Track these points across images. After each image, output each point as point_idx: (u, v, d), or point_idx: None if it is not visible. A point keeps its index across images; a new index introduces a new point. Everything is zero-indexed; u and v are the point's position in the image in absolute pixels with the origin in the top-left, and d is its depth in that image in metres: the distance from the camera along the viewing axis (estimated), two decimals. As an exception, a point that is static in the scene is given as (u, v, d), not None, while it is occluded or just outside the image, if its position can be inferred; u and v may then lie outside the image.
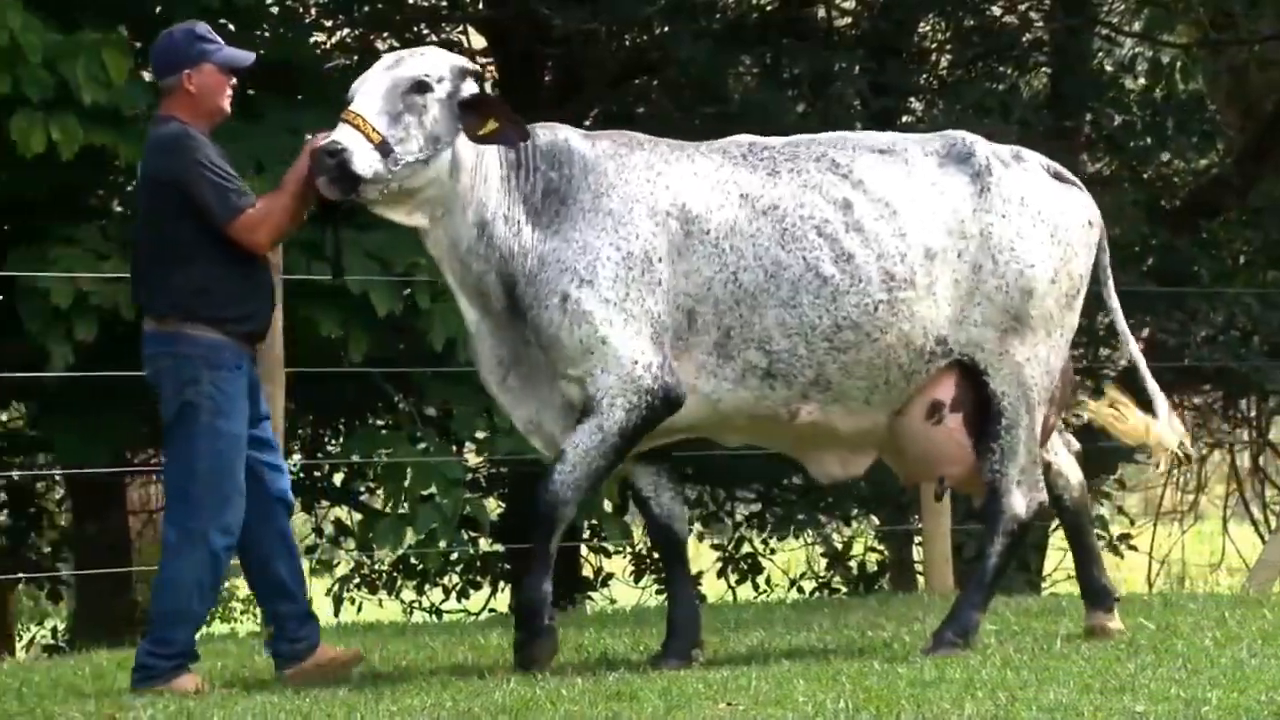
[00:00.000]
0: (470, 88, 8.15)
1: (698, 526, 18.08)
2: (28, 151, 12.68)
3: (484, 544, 16.75)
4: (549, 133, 8.31)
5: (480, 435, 15.07)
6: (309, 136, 8.19)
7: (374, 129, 7.88)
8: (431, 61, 8.15)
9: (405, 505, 14.29)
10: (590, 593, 17.85)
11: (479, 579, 17.95)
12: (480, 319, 8.29)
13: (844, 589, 17.83)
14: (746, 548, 18.00)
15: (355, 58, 17.33)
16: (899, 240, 8.33)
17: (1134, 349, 9.22)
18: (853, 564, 18.23)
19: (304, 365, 11.69)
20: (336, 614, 17.76)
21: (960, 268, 8.43)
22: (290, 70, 14.74)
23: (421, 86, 8.00)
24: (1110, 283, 9.05)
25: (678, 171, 8.30)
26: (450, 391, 14.38)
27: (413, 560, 17.43)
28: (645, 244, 8.15)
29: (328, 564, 18.51)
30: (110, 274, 12.74)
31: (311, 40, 16.15)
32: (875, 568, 18.18)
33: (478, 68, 8.36)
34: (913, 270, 8.33)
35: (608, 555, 18.09)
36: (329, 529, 17.88)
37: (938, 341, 8.42)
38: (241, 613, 24.78)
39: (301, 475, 16.65)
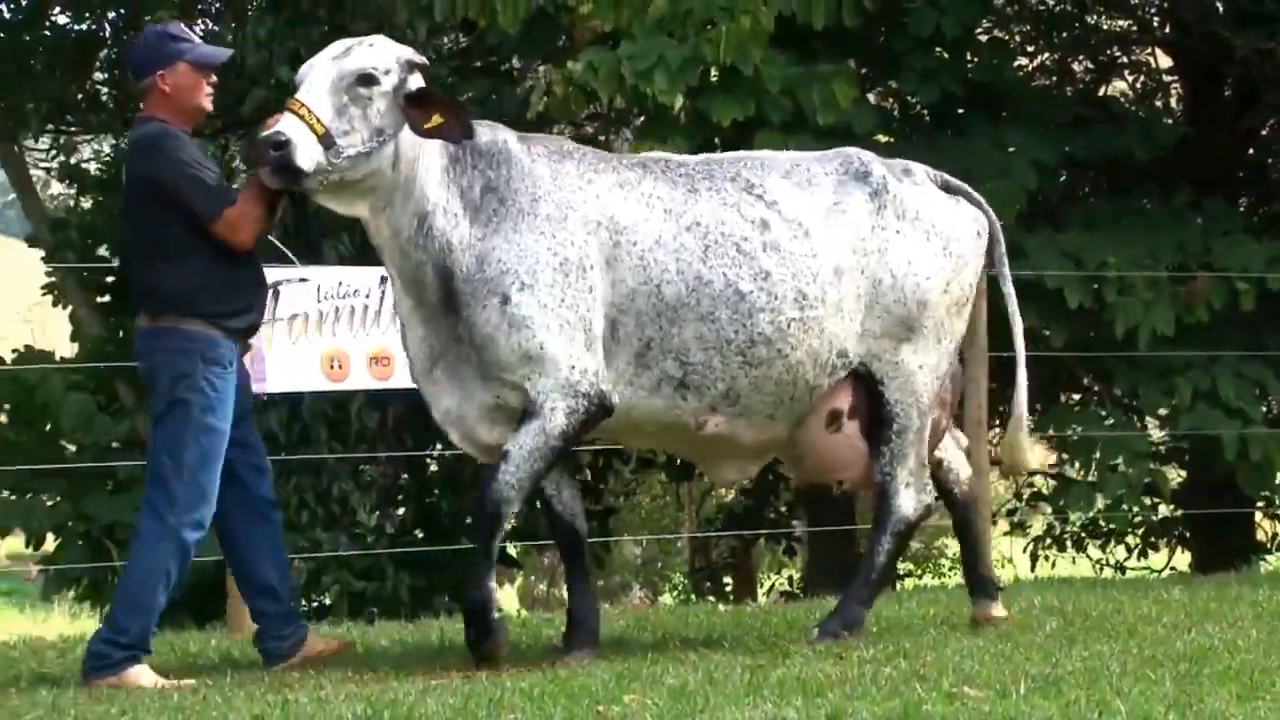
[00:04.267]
0: (416, 80, 7.32)
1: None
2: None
3: (1164, 509, 16.54)
4: (489, 132, 7.48)
5: (1162, 412, 15.01)
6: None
7: (318, 120, 7.07)
8: (379, 53, 7.29)
9: (1095, 474, 14.36)
10: (1265, 555, 17.40)
11: (1158, 540, 17.71)
12: (413, 309, 7.43)
13: None
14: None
15: (1054, 78, 17.33)
16: (811, 260, 7.62)
17: (1020, 344, 8.37)
18: None
19: (1005, 351, 11.77)
20: (1032, 569, 17.76)
21: (862, 283, 7.73)
22: (995, 91, 14.90)
23: (368, 79, 7.17)
24: (1006, 270, 8.25)
25: (606, 182, 7.52)
26: (1134, 375, 14.39)
27: (1100, 522, 17.35)
28: (580, 251, 7.34)
29: (1023, 525, 18.53)
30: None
31: (1015, 64, 16.27)
32: None
33: (424, 60, 7.45)
34: (823, 289, 7.63)
35: (1280, 520, 17.61)
36: (1026, 494, 17.89)
37: (839, 355, 7.73)
38: (949, 569, 25.00)
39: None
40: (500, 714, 5.71)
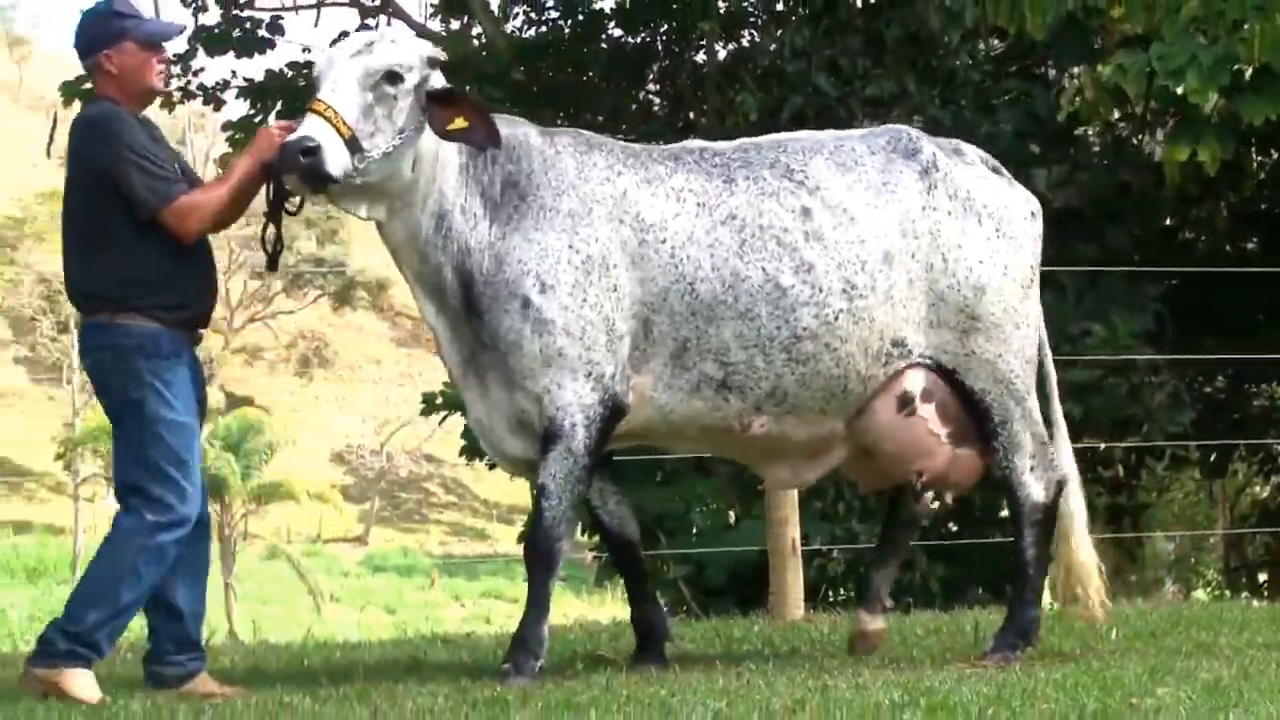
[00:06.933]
0: (439, 79, 6.80)
1: None
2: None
3: None
4: (508, 126, 6.93)
5: None
6: (270, 125, 6.78)
7: (344, 123, 6.51)
8: (403, 50, 6.76)
9: None
10: None
11: None
12: (438, 314, 6.93)
13: None
14: None
15: None
16: (858, 247, 7.04)
17: (1049, 364, 7.57)
18: None
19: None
20: None
21: (913, 267, 7.12)
22: None
23: (394, 77, 6.64)
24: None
25: (634, 177, 6.98)
26: None
27: None
28: (603, 247, 6.83)
29: None
30: None
31: None
32: None
33: (444, 56, 6.89)
34: (873, 277, 7.03)
35: None
36: None
37: (894, 343, 7.12)
38: None
39: None
40: (1034, 704, 5.70)
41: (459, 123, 6.69)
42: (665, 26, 18.47)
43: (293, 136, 6.50)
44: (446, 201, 6.84)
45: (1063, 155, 15.50)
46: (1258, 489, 21.31)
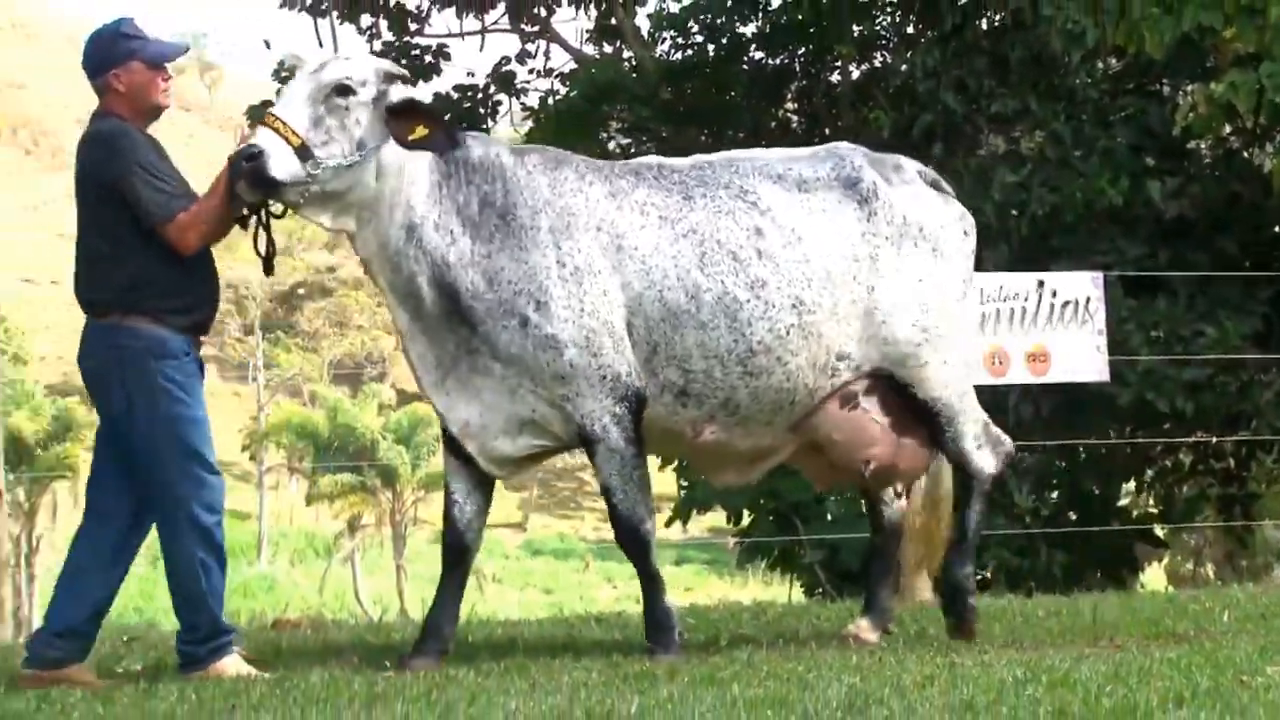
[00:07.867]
0: (399, 92, 6.63)
1: None
2: None
3: None
4: (481, 146, 6.83)
5: None
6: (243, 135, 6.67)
7: (294, 132, 6.41)
8: (355, 65, 6.61)
9: None
10: None
11: None
12: (411, 321, 6.72)
13: None
14: None
15: None
16: (805, 266, 6.95)
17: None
18: None
19: None
20: None
21: (856, 289, 7.05)
22: None
23: (343, 90, 6.52)
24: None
25: (603, 188, 6.86)
26: None
27: None
28: (587, 257, 6.68)
29: None
30: None
31: None
32: None
33: (404, 72, 6.73)
34: (819, 295, 6.95)
35: None
36: None
37: (839, 357, 7.06)
38: None
39: None
40: (1149, 681, 5.64)
41: (419, 131, 6.57)
42: (803, 49, 18.43)
43: (240, 147, 6.48)
44: (415, 214, 6.71)
45: (1176, 168, 15.33)
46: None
